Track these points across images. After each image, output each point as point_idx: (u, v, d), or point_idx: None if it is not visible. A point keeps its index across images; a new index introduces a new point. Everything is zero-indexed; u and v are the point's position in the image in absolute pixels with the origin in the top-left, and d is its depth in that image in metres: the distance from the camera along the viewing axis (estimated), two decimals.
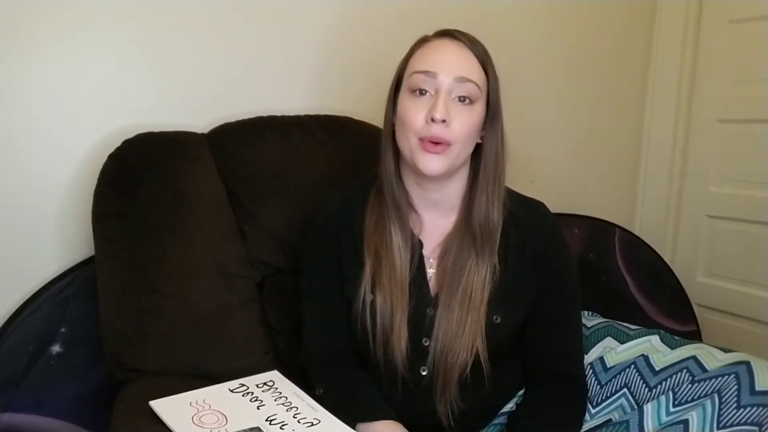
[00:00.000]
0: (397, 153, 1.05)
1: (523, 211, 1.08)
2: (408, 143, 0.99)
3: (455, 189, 1.06)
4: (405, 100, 1.01)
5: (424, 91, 0.99)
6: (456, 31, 1.02)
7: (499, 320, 1.03)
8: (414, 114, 0.98)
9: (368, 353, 1.04)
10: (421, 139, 0.98)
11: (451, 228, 1.07)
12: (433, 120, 0.96)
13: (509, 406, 1.10)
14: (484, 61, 1.01)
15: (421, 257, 1.06)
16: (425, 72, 0.98)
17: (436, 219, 1.08)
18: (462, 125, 0.98)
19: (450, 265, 1.04)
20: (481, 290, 1.01)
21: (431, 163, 0.98)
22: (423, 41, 1.03)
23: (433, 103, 0.97)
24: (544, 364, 1.09)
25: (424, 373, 1.03)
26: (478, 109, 1.00)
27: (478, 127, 1.01)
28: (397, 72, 1.05)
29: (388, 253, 1.03)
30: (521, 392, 1.11)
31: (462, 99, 0.98)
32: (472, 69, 0.99)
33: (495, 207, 1.03)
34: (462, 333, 1.00)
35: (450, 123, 0.97)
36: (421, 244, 1.06)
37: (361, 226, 1.07)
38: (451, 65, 0.98)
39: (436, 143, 0.97)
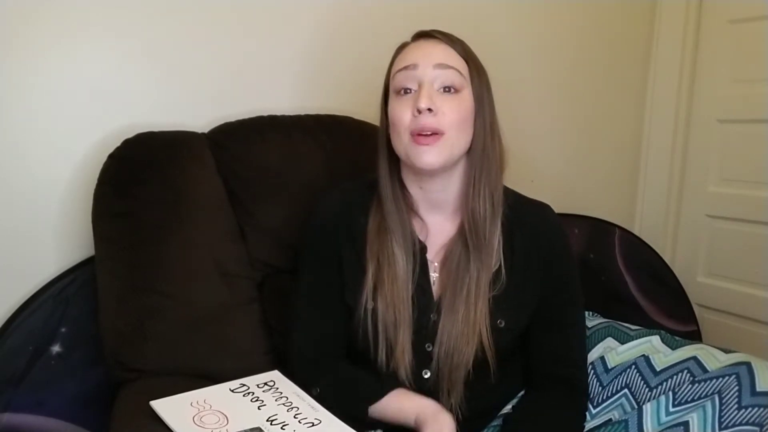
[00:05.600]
0: (392, 160, 1.05)
1: (529, 214, 1.07)
2: (401, 143, 0.99)
3: (455, 188, 1.04)
4: (393, 102, 1.01)
5: (408, 90, 0.99)
6: (434, 30, 1.02)
7: (503, 324, 1.02)
8: (401, 111, 0.98)
9: (370, 359, 1.03)
10: (412, 133, 0.97)
11: (455, 231, 1.05)
12: (419, 111, 0.96)
13: (507, 408, 1.10)
14: (465, 54, 1.01)
15: (425, 262, 1.04)
16: (405, 67, 0.99)
17: (441, 223, 1.07)
18: (452, 113, 0.97)
19: (454, 266, 1.02)
20: (482, 289, 1.00)
21: (426, 155, 0.97)
22: (402, 46, 1.05)
23: (418, 95, 0.97)
24: (545, 367, 1.08)
25: (426, 376, 1.02)
26: (466, 97, 1.00)
27: (470, 116, 1.00)
28: (385, 80, 1.06)
29: (390, 263, 1.02)
30: (521, 393, 1.10)
31: (447, 89, 0.98)
32: (452, 57, 1.00)
33: (486, 201, 1.01)
34: (466, 332, 0.99)
35: (437, 112, 0.96)
36: (424, 249, 1.05)
37: (363, 230, 1.05)
38: (429, 54, 0.99)
39: (428, 135, 0.96)
